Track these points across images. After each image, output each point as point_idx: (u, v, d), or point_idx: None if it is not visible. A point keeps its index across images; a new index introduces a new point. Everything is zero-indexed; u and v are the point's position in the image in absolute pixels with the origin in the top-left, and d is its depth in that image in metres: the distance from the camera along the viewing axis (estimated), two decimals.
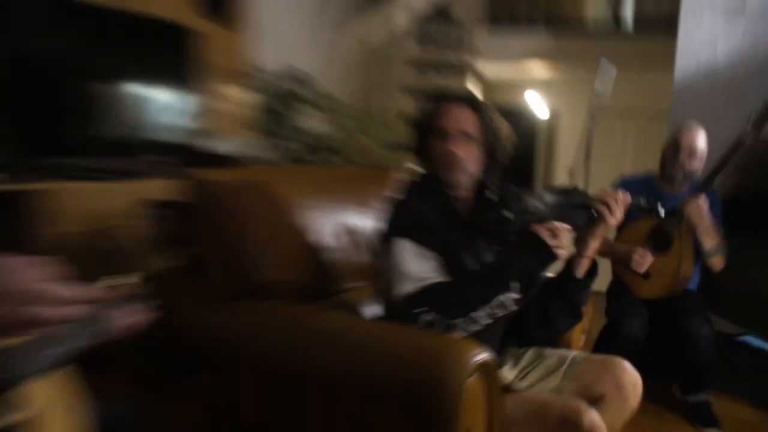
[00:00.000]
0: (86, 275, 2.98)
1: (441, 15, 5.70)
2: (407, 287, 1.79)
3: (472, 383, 1.62)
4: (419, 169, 2.05)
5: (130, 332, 1.34)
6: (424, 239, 1.84)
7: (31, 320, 0.85)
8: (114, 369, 2.13)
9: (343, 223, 2.38)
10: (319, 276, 2.22)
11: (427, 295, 1.77)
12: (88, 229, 3.42)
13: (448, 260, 1.87)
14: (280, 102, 4.71)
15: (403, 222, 1.90)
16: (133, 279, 1.43)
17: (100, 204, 3.47)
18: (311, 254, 2.20)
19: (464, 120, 1.95)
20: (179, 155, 4.23)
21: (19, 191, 3.17)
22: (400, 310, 1.80)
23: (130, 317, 1.34)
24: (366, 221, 2.46)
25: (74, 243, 3.35)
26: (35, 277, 0.87)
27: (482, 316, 1.77)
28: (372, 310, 2.24)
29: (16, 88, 3.33)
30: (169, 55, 4.22)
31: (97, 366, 1.45)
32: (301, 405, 1.91)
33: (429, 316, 1.75)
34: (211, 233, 2.07)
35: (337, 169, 2.84)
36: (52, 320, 0.86)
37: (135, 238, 3.45)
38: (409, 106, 5.59)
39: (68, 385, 1.19)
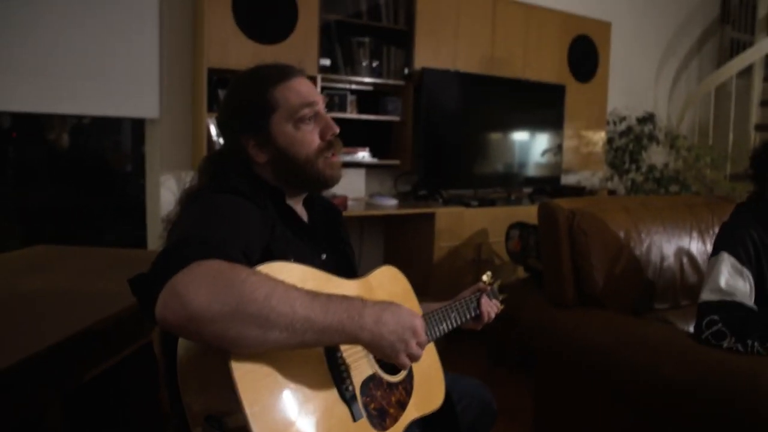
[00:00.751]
0: (458, 277, 3.17)
1: None
2: (711, 296, 1.58)
3: None
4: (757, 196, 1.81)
5: (488, 319, 1.44)
6: (743, 255, 1.62)
7: (416, 356, 0.99)
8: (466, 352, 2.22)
9: (678, 246, 2.18)
10: (647, 292, 2.05)
11: (727, 308, 1.54)
12: (472, 243, 3.67)
13: (763, 280, 1.61)
14: (628, 140, 4.49)
15: (729, 238, 1.69)
16: (487, 278, 1.53)
17: (483, 223, 3.71)
18: (640, 272, 2.05)
19: None
20: (546, 186, 4.38)
21: (422, 214, 3.56)
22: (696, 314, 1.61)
23: (491, 308, 1.44)
24: (702, 246, 2.22)
25: (460, 253, 3.62)
26: (423, 325, 1.00)
27: None
28: None
29: (421, 135, 3.70)
30: (548, 109, 4.37)
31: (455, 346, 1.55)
32: (622, 401, 1.80)
33: (717, 327, 1.53)
34: (550, 249, 2.06)
35: (678, 198, 2.59)
36: (418, 359, 1.00)
37: (501, 251, 3.60)
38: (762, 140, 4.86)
39: (435, 353, 1.30)
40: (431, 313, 1.28)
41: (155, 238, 3.30)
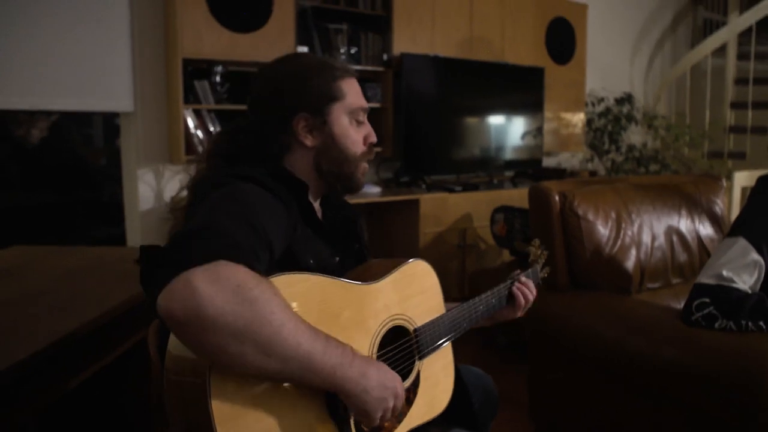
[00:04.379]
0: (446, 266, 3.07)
1: (764, 31, 4.82)
2: (709, 281, 1.50)
3: None
4: None
5: (525, 303, 1.32)
6: (764, 245, 1.50)
7: (395, 413, 0.95)
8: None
9: (668, 225, 2.15)
10: (639, 272, 2.03)
11: (721, 292, 1.47)
12: (456, 228, 3.63)
13: None
14: (607, 121, 4.49)
15: (753, 224, 1.57)
16: (534, 249, 1.43)
17: (467, 208, 3.67)
18: (632, 253, 2.02)
19: None
20: (527, 169, 4.35)
21: (406, 200, 3.51)
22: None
23: (527, 291, 1.32)
24: (690, 224, 2.20)
25: (445, 239, 3.58)
26: (403, 390, 0.96)
27: None
28: None
29: (401, 121, 3.64)
30: (527, 91, 4.33)
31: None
32: (618, 384, 1.77)
33: (709, 310, 1.48)
34: (541, 232, 2.02)
35: (664, 177, 2.57)
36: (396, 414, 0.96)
37: (486, 236, 3.57)
38: (738, 118, 4.90)
39: (450, 353, 1.23)
40: (457, 307, 1.21)
41: (135, 234, 3.20)
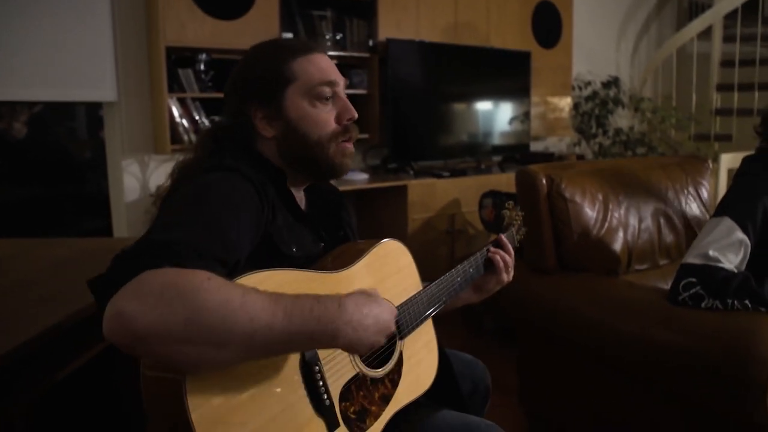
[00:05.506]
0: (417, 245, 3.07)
1: (750, 13, 4.83)
2: (695, 260, 1.51)
3: None
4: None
5: (504, 266, 1.30)
6: (749, 225, 1.50)
7: (379, 345, 0.91)
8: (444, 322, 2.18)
9: (655, 207, 2.17)
10: (627, 254, 2.04)
11: (707, 272, 1.48)
12: (445, 213, 3.64)
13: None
14: (594, 104, 4.50)
15: (738, 203, 1.57)
16: (507, 211, 1.42)
17: (455, 194, 3.68)
18: (619, 235, 2.04)
19: None
20: (515, 154, 4.37)
21: (394, 187, 3.51)
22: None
23: (506, 254, 1.31)
24: (678, 205, 2.22)
25: (433, 225, 3.59)
26: (393, 317, 0.92)
27: None
28: None
29: (388, 108, 3.64)
30: (514, 76, 4.34)
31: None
32: (608, 367, 1.79)
33: (695, 290, 1.48)
34: (529, 216, 2.01)
35: (651, 160, 2.58)
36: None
37: (475, 221, 3.59)
38: (724, 101, 4.93)
39: (432, 329, 1.23)
40: (434, 283, 1.18)
41: (121, 226, 3.18)
